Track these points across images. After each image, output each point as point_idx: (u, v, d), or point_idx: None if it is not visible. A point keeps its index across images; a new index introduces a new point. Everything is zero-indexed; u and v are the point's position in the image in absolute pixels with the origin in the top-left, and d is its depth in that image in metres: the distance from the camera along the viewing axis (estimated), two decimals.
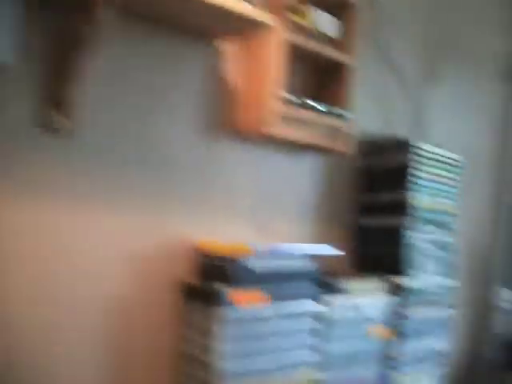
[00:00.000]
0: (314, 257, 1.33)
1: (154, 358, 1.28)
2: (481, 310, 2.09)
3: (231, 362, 1.19)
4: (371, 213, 1.63)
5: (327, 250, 1.35)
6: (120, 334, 1.22)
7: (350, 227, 1.67)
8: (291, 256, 1.31)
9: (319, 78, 1.53)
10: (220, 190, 1.38)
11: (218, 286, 1.17)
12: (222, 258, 1.22)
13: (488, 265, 1.99)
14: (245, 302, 1.18)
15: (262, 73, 1.32)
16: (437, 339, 1.69)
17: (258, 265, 1.22)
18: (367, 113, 1.70)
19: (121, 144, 1.19)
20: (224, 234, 1.35)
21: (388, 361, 1.53)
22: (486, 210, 2.11)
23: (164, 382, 1.30)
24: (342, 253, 1.38)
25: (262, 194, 1.47)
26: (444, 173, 1.67)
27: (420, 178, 1.57)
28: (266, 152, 1.46)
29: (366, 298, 1.45)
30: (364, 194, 1.66)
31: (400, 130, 1.75)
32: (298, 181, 1.56)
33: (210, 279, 1.22)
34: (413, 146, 1.57)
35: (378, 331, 1.49)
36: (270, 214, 1.48)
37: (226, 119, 1.37)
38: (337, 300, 1.38)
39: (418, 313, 1.59)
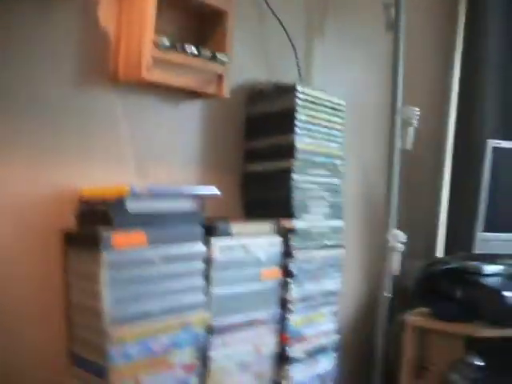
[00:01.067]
0: (197, 198, 1.38)
1: (41, 309, 1.29)
2: (376, 251, 2.21)
3: (119, 307, 1.21)
4: (257, 158, 1.68)
5: (210, 190, 1.39)
6: (3, 284, 1.22)
7: (237, 173, 1.72)
8: (173, 196, 1.34)
9: (198, 23, 1.55)
10: (102, 139, 1.39)
11: (98, 229, 1.19)
12: (102, 202, 1.24)
13: (382, 208, 2.11)
14: (126, 244, 1.21)
15: (137, 18, 1.33)
16: (329, 280, 1.77)
17: (137, 206, 1.25)
18: (250, 60, 1.74)
19: None
20: (108, 182, 1.36)
21: (280, 302, 1.60)
22: (379, 155, 2.22)
23: (55, 332, 1.31)
24: (222, 194, 1.43)
25: (146, 141, 1.48)
26: (328, 117, 1.74)
27: (304, 121, 1.64)
28: (148, 99, 1.48)
29: (254, 240, 1.51)
30: (250, 140, 1.71)
31: (285, 77, 1.80)
32: (182, 128, 1.58)
33: (92, 224, 1.24)
34: (296, 91, 1.62)
35: (268, 273, 1.56)
36: (153, 161, 1.50)
37: (103, 67, 1.37)
38: (224, 242, 1.43)
39: (308, 254, 1.67)
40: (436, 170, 2.75)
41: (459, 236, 2.51)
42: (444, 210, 2.71)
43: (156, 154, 1.51)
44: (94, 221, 1.25)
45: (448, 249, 2.64)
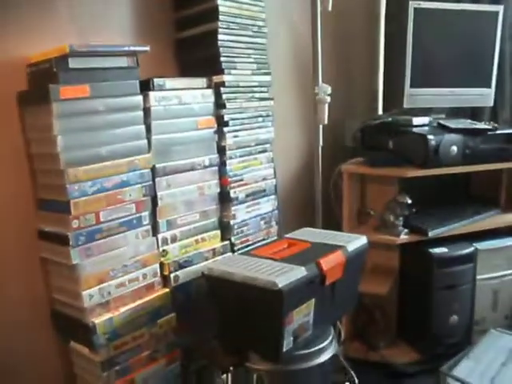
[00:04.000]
0: (132, 54, 1.61)
1: (8, 166, 1.57)
2: (307, 101, 2.46)
3: (73, 151, 1.48)
4: (187, 24, 1.93)
5: (143, 47, 1.62)
6: None
7: (170, 40, 1.96)
8: (110, 53, 1.56)
9: None
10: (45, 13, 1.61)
11: (47, 85, 1.44)
12: (47, 62, 1.48)
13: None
14: (72, 95, 1.46)
15: None
16: (262, 129, 2.06)
17: (79, 63, 1.49)
18: None
19: None
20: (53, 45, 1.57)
21: (218, 149, 1.90)
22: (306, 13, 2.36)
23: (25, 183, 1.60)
24: (156, 59, 1.68)
25: (85, 16, 1.71)
26: None
27: None
28: None
29: (188, 93, 1.77)
30: (179, 10, 1.96)
31: None
32: (117, 1, 1.80)
33: (41, 83, 1.48)
34: None
35: (204, 122, 1.83)
36: (92, 26, 1.73)
37: None
38: (160, 94, 1.69)
39: (239, 105, 1.93)
40: (371, 29, 2.96)
41: (394, 94, 2.76)
42: (381, 70, 2.94)
43: (94, 20, 1.73)
44: (42, 80, 1.49)
45: (385, 107, 2.91)
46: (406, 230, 2.37)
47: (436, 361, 2.37)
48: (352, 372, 2.27)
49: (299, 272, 1.55)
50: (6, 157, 1.55)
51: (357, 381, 2.25)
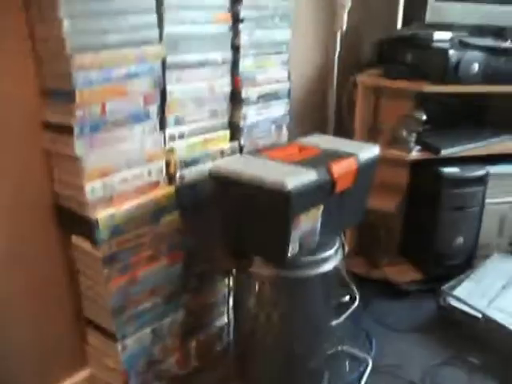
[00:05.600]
0: None
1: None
2: (326, 6, 2.37)
3: (80, 36, 1.39)
4: None
5: None
6: None
7: None
8: None
9: None
10: None
11: None
12: None
13: None
14: None
15: None
16: (279, 30, 1.96)
17: None
18: None
19: None
20: None
21: (232, 46, 1.81)
22: None
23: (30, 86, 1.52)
24: None
25: None
26: None
27: None
28: None
29: None
30: None
31: None
32: None
33: None
34: None
35: (220, 17, 1.74)
36: None
37: None
38: None
39: (255, 2, 1.84)
40: None
41: (416, 6, 2.64)
42: None
43: None
44: None
45: (406, 20, 2.79)
46: (417, 147, 2.31)
47: (437, 281, 2.37)
48: (353, 286, 2.27)
49: (309, 175, 1.50)
50: (8, 42, 1.45)
51: (358, 295, 2.25)
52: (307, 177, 1.50)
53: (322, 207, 1.58)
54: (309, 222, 1.57)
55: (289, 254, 1.55)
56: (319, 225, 1.61)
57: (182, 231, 1.76)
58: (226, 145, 1.87)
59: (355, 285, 2.31)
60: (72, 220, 1.60)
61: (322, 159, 1.64)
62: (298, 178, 1.47)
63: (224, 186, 1.60)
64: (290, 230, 1.51)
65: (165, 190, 1.69)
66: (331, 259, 1.70)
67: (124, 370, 1.73)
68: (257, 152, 1.77)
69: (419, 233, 2.50)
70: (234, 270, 1.73)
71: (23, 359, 1.69)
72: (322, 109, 2.50)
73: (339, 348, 2.06)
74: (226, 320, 2.06)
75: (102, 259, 1.57)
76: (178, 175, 1.71)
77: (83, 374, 1.89)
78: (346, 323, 2.15)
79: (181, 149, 1.72)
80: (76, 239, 1.63)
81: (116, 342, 1.69)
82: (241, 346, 1.89)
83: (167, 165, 1.69)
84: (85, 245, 1.60)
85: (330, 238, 1.74)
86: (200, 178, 1.76)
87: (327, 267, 1.68)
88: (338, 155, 1.67)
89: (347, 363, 2.05)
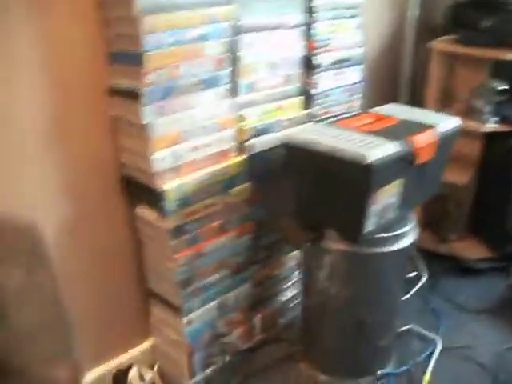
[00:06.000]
0: None
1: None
2: None
3: None
4: None
5: None
6: None
7: None
8: None
9: None
10: None
11: None
12: None
13: None
14: None
15: None
16: None
17: None
18: None
19: None
20: None
21: (306, 8, 1.71)
22: None
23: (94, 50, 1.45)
24: None
25: None
26: None
27: None
28: None
29: None
30: None
31: None
32: None
33: None
34: None
35: None
36: None
37: None
38: None
39: None
40: None
41: None
42: None
43: None
44: None
45: None
46: (493, 119, 2.18)
47: (507, 259, 2.26)
48: (421, 261, 2.18)
49: (391, 147, 1.41)
50: (73, 6, 1.39)
51: (426, 271, 2.16)
52: (388, 149, 1.41)
53: (401, 181, 1.49)
54: (387, 196, 1.47)
55: (365, 230, 1.47)
56: (397, 199, 1.52)
57: (252, 202, 1.68)
58: (299, 113, 1.78)
59: (422, 260, 2.23)
60: (138, 191, 1.55)
61: (401, 130, 1.54)
62: (379, 151, 1.38)
63: (298, 157, 1.52)
64: (368, 205, 1.42)
65: (235, 159, 1.62)
66: (408, 235, 1.61)
67: (189, 344, 1.68)
68: (330, 121, 1.67)
69: (491, 208, 2.37)
70: (304, 243, 1.65)
71: (87, 328, 1.66)
72: (394, 77, 2.38)
73: (407, 326, 1.98)
74: (291, 293, 2.00)
75: (169, 231, 1.51)
76: (248, 144, 1.63)
77: (146, 344, 1.85)
78: (414, 300, 2.08)
79: (252, 116, 1.64)
80: (142, 210, 1.58)
81: (181, 315, 1.65)
82: (308, 321, 1.82)
83: (238, 133, 1.61)
84: (151, 216, 1.55)
85: (407, 212, 1.64)
86: (271, 147, 1.67)
87: (403, 243, 1.59)
88: (417, 126, 1.57)
89: (415, 343, 1.96)
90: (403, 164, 1.46)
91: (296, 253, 1.92)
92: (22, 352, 1.09)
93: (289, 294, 2.00)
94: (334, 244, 1.56)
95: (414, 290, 2.17)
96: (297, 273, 1.99)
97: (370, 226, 1.47)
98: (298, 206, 1.61)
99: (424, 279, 2.23)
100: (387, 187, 1.45)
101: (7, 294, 1.09)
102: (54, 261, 1.27)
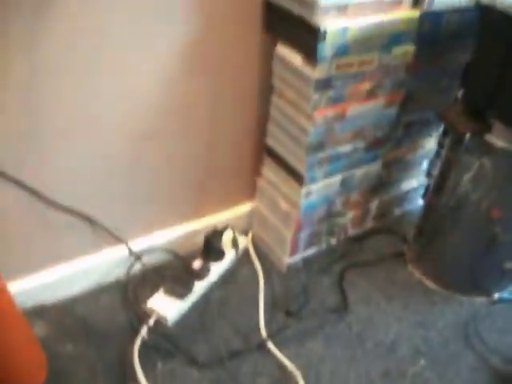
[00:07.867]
0: None
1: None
2: None
3: None
4: None
5: None
6: None
7: None
8: None
9: None
10: None
11: None
12: None
13: None
14: None
15: None
16: None
17: None
18: None
19: None
20: None
21: None
22: None
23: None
24: None
25: None
26: None
27: None
28: None
29: None
30: None
31: None
32: None
33: None
34: None
35: None
36: None
37: None
38: None
39: None
40: None
41: None
42: None
43: None
44: None
45: None
46: None
47: None
48: None
49: None
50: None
51: None
52: None
53: None
54: None
55: None
56: None
57: (411, 68, 1.39)
58: None
59: None
60: (285, 24, 1.28)
61: None
62: None
63: (493, 23, 1.21)
64: None
65: (407, 12, 1.31)
66: None
67: (300, 217, 1.47)
68: None
69: None
70: (468, 132, 1.37)
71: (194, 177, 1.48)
72: None
73: None
74: (415, 184, 1.76)
75: (315, 82, 1.24)
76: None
77: (244, 208, 1.66)
78: None
79: None
80: (283, 50, 1.31)
81: (301, 184, 1.41)
82: (431, 222, 1.57)
83: None
84: (295, 59, 1.28)
85: None
86: (453, 6, 1.36)
87: None
88: None
89: None
90: None
91: (432, 141, 1.65)
92: None
93: (414, 183, 1.76)
94: (500, 140, 1.28)
95: None
96: (426, 163, 1.73)
97: None
98: (470, 87, 1.32)
99: None
100: None
101: None
102: None
